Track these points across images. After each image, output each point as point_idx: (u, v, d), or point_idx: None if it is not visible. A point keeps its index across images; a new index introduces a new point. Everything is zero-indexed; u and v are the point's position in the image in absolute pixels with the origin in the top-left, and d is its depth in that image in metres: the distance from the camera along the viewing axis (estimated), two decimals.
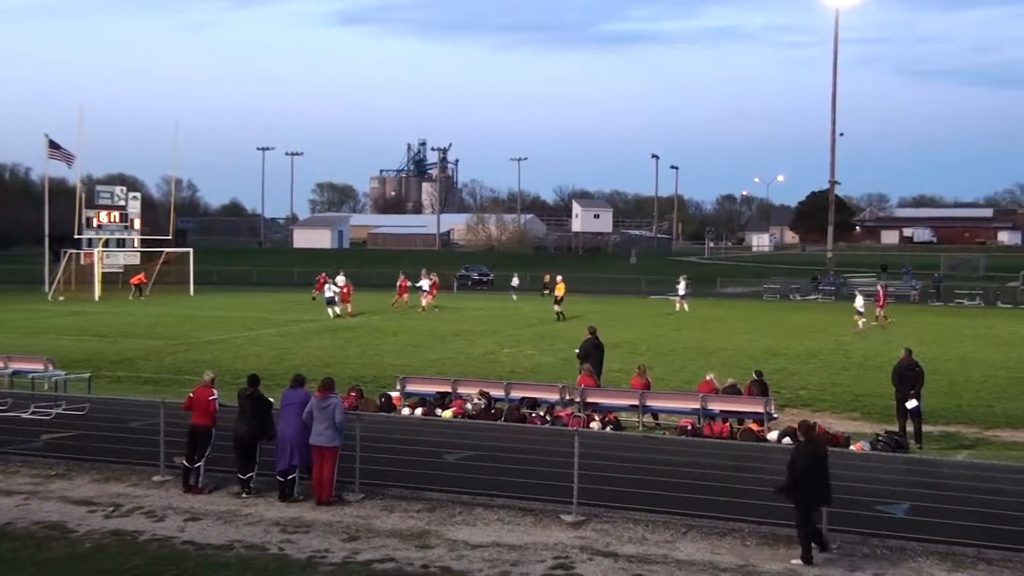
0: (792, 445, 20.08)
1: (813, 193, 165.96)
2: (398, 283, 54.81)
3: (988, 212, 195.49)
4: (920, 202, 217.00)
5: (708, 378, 23.62)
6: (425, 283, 53.56)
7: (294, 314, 50.59)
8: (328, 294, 49.40)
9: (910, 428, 21.17)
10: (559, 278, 51.60)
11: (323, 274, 58.57)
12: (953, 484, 17.23)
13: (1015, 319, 53.46)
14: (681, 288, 56.87)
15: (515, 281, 68.98)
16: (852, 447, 20.12)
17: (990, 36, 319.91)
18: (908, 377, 21.46)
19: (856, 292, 52.37)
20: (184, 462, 16.57)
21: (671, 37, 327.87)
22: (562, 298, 49.57)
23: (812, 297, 71.79)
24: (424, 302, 53.01)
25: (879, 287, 54.12)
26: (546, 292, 65.92)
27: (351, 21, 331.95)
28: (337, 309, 48.35)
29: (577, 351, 27.21)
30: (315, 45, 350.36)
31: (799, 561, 13.24)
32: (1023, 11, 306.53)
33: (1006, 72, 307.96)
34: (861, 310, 46.95)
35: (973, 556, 13.46)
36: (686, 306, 55.79)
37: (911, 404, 21.15)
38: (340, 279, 51.91)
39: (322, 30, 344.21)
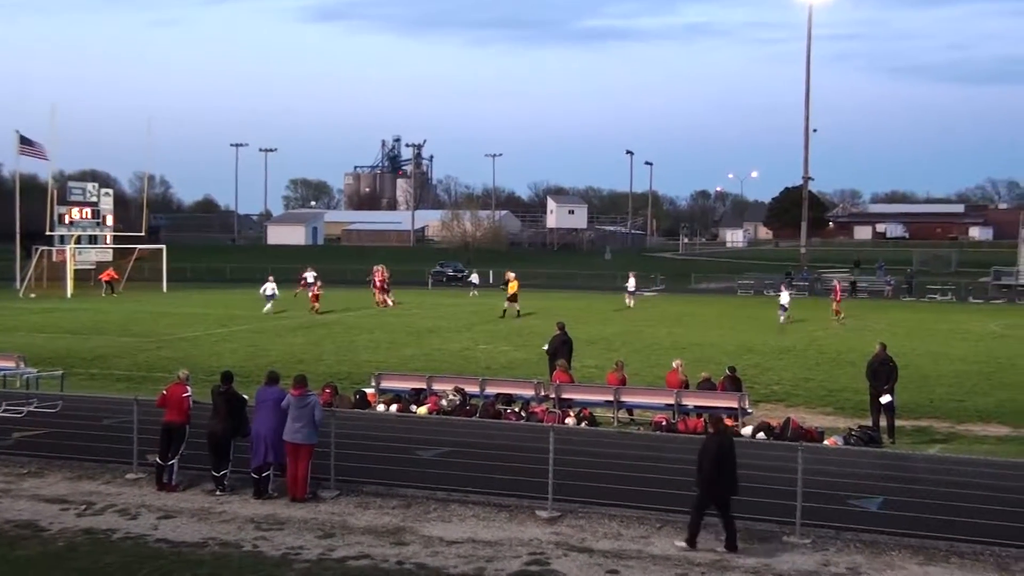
0: (765, 440, 20.29)
1: (787, 189, 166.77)
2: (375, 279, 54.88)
3: (960, 208, 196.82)
4: (892, 198, 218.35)
5: (674, 366, 23.67)
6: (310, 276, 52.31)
7: (269, 310, 50.34)
8: (269, 291, 49.24)
9: (883, 423, 21.29)
10: (511, 275, 50.27)
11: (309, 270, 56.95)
12: (926, 478, 17.37)
13: (986, 314, 53.88)
14: (631, 284, 56.76)
15: (474, 277, 68.63)
16: (826, 442, 20.24)
17: (965, 33, 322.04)
18: (883, 372, 21.57)
19: (782, 287, 52.84)
20: (157, 460, 16.49)
21: (647, 33, 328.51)
22: (515, 295, 48.61)
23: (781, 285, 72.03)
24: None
25: (835, 282, 54.91)
26: (502, 287, 66.29)
27: (327, 17, 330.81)
28: (269, 307, 48.68)
29: (546, 347, 27.27)
30: (290, 41, 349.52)
31: (683, 543, 13.61)
32: (998, 8, 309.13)
33: (980, 68, 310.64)
34: (785, 305, 47.25)
35: (945, 550, 13.57)
36: (632, 302, 55.79)
37: (885, 399, 21.28)
38: (309, 275, 51.97)
39: (297, 26, 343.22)
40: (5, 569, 12.56)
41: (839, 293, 51.37)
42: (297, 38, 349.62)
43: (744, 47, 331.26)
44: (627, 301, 55.99)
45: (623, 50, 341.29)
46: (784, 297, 48.22)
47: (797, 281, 73.79)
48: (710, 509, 13.75)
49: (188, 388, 16.76)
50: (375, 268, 56.69)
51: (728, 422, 21.29)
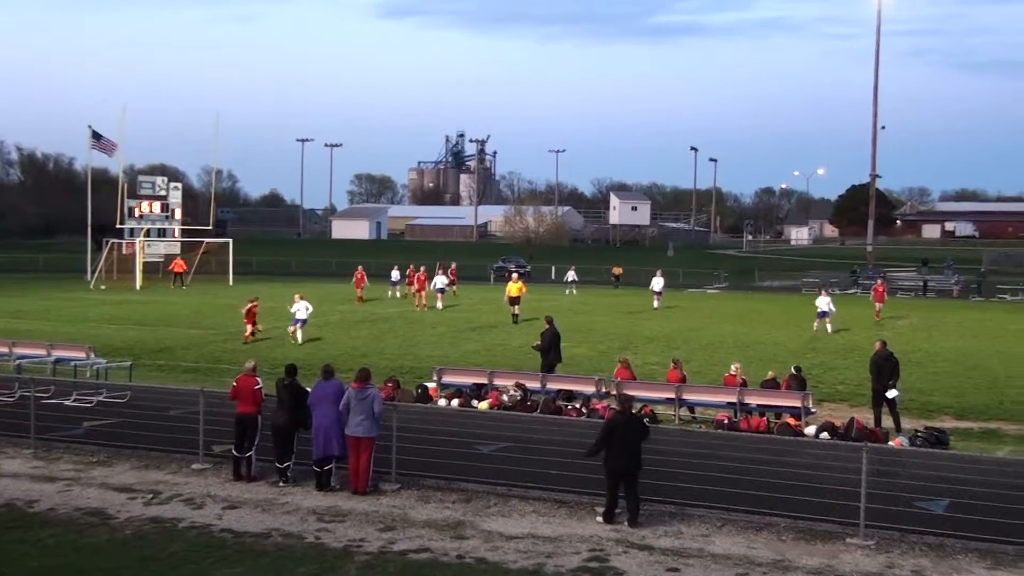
0: (829, 439, 20.06)
1: (853, 186, 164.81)
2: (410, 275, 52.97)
3: None
4: (962, 196, 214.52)
5: (733, 369, 23.51)
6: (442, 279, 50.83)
7: (331, 304, 50.74)
8: (302, 314, 35.57)
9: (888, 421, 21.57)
10: (515, 276, 47.52)
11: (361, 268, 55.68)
12: (993, 481, 17.06)
13: None
14: (657, 284, 52.71)
15: (571, 275, 64.96)
16: (891, 442, 19.98)
17: None
18: (886, 368, 21.88)
19: (821, 291, 46.21)
20: (233, 451, 16.70)
21: (718, 29, 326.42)
22: (518, 299, 44.03)
23: (851, 291, 71.18)
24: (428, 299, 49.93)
25: (878, 282, 51.89)
26: (615, 285, 67.14)
27: (396, 13, 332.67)
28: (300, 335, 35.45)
29: (538, 343, 27.17)
30: (358, 37, 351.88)
31: (600, 519, 14.48)
32: None
33: None
34: (825, 310, 41.22)
35: (1013, 554, 13.32)
36: (658, 304, 51.95)
37: (892, 393, 21.56)
38: (395, 274, 52.77)
39: (365, 22, 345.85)
40: (74, 556, 12.81)
41: (882, 295, 48.40)
42: (365, 34, 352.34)
43: (815, 42, 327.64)
44: (654, 303, 52.10)
45: (692, 46, 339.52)
46: (823, 302, 41.60)
47: (863, 280, 72.92)
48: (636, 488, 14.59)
49: (258, 379, 16.96)
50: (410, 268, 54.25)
51: (791, 421, 21.18)
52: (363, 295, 52.72)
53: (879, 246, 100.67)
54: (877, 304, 48.01)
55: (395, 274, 56.80)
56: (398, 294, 55.30)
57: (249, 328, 35.21)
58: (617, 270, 71.69)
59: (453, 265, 60.22)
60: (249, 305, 35.56)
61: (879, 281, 50.85)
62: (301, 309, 35.33)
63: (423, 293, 49.95)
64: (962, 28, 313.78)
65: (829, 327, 41.03)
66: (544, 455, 18.40)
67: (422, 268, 52.05)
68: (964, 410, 24.24)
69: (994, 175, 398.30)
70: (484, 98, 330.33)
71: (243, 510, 14.90)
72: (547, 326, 27.44)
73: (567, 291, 62.77)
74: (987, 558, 13.22)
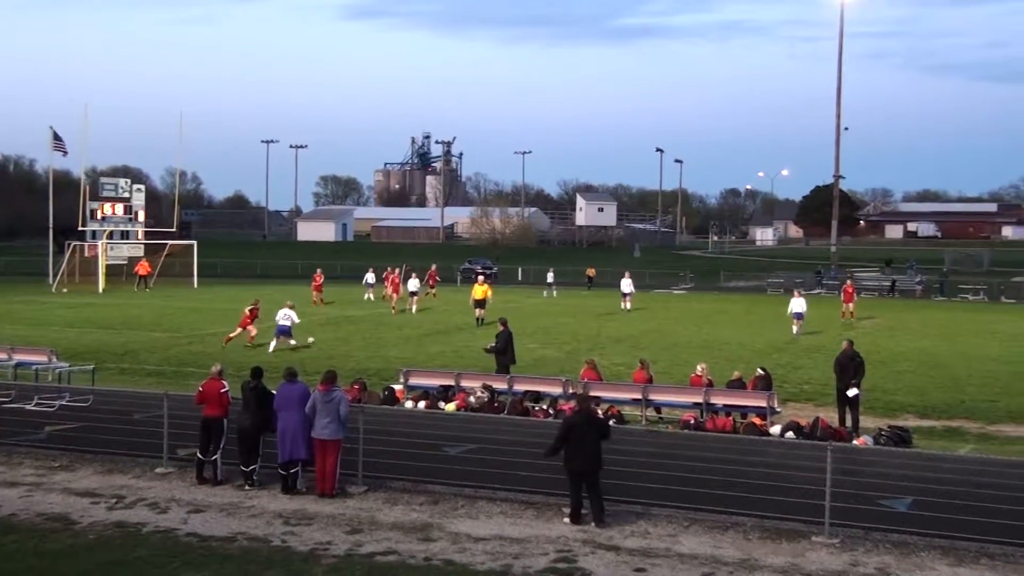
0: (794, 439, 20.19)
1: (817, 187, 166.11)
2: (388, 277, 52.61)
3: (992, 207, 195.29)
4: (924, 197, 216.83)
5: (699, 370, 23.57)
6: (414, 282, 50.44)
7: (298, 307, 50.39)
8: (284, 322, 33.98)
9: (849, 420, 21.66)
10: (480, 279, 46.44)
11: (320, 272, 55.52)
12: (955, 479, 17.22)
13: (1019, 314, 53.38)
14: (626, 286, 52.27)
15: (550, 276, 65.41)
16: (855, 441, 20.14)
17: (1005, 30, 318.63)
18: (850, 367, 21.98)
19: (796, 292, 44.61)
20: (198, 455, 16.59)
21: (682, 31, 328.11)
22: (483, 301, 43.44)
23: (816, 291, 71.68)
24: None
25: (847, 283, 51.22)
26: (589, 287, 67.18)
27: (360, 15, 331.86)
28: (292, 341, 33.87)
29: (492, 345, 27.21)
30: (323, 39, 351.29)
31: (568, 520, 14.46)
32: None
33: (1018, 67, 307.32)
34: (800, 311, 40.69)
35: (976, 551, 13.45)
36: (628, 305, 51.50)
37: (852, 392, 21.63)
38: (370, 276, 52.69)
39: (330, 23, 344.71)
40: (37, 562, 12.67)
41: (852, 295, 48.07)
42: (330, 36, 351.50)
43: (779, 45, 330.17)
44: (623, 304, 51.79)
45: (656, 48, 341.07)
46: (797, 304, 41.05)
47: (827, 280, 73.48)
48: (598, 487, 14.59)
49: (225, 383, 16.85)
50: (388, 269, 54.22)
51: (757, 421, 21.29)
52: (322, 298, 52.15)
53: (843, 246, 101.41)
54: (846, 304, 47.74)
55: (370, 276, 56.45)
56: (372, 296, 54.98)
57: (238, 330, 34.50)
58: (591, 271, 71.90)
59: (433, 267, 60.02)
60: (251, 307, 35.19)
61: (848, 282, 51.01)
62: (283, 317, 33.77)
63: (396, 296, 49.80)
64: (923, 30, 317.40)
65: (794, 328, 40.49)
66: (511, 456, 18.40)
67: (396, 270, 51.90)
68: (926, 409, 24.46)
69: (955, 176, 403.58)
70: (450, 100, 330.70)
71: (208, 514, 14.80)
72: (502, 327, 27.48)
73: (545, 293, 62.85)
74: (949, 555, 13.34)
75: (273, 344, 33.35)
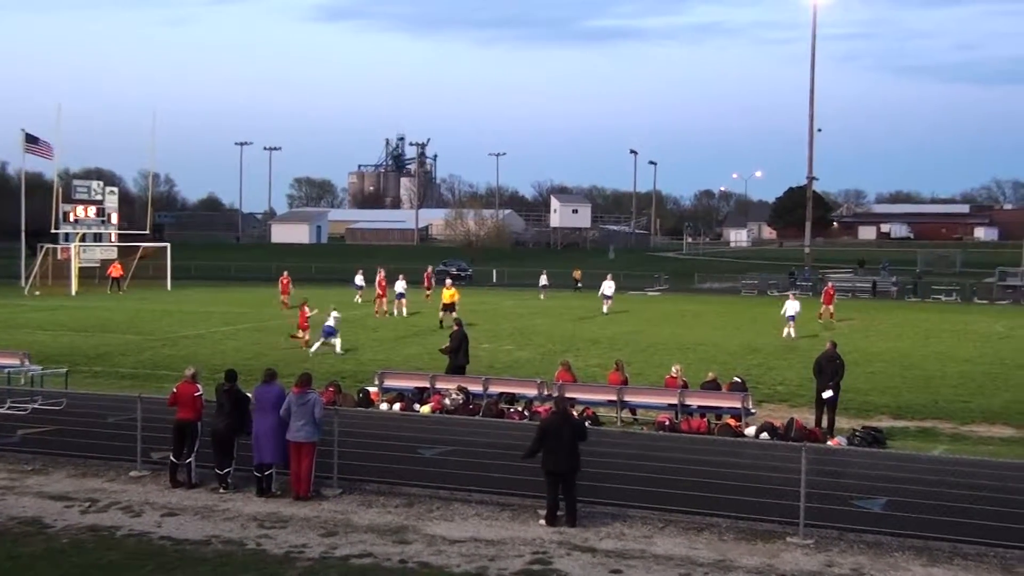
0: (769, 440, 20.28)
1: (791, 188, 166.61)
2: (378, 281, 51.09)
3: (965, 208, 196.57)
4: (897, 198, 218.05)
5: (673, 372, 23.54)
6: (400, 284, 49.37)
7: (273, 308, 50.31)
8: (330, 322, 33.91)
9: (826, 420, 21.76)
10: (448, 281, 46.12)
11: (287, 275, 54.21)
12: (930, 479, 17.34)
13: (991, 315, 53.79)
14: (607, 288, 51.99)
15: (543, 279, 64.80)
16: (829, 442, 20.24)
17: (974, 32, 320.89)
18: (829, 368, 22.01)
19: (790, 294, 45.09)
20: (172, 458, 16.50)
21: (653, 33, 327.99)
22: (452, 305, 42.55)
23: (789, 293, 71.92)
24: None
25: (828, 285, 51.52)
26: (576, 289, 67.24)
27: (333, 17, 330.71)
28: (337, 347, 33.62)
29: (446, 346, 27.21)
30: (295, 40, 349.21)
31: (543, 522, 14.50)
32: (1008, 8, 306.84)
33: (988, 69, 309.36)
34: (793, 314, 40.68)
35: (949, 551, 13.55)
36: (607, 307, 50.97)
37: (827, 394, 21.68)
38: (359, 279, 53.34)
39: (302, 25, 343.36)
40: (10, 566, 12.58)
41: (832, 297, 48.06)
42: (302, 37, 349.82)
43: (751, 47, 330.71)
44: (603, 307, 51.16)
45: (629, 50, 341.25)
46: (792, 307, 40.93)
47: (800, 281, 73.81)
48: (574, 488, 14.66)
49: (199, 386, 16.78)
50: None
51: (732, 422, 21.37)
52: (288, 301, 51.17)
53: (816, 247, 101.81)
54: (826, 306, 47.45)
55: (359, 279, 56.10)
56: (360, 299, 54.49)
57: (304, 333, 34.62)
58: (576, 273, 71.76)
59: (429, 268, 59.70)
60: (303, 306, 35.54)
61: (830, 284, 51.36)
62: (331, 319, 33.57)
63: (384, 299, 49.49)
64: (895, 32, 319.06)
65: (788, 331, 40.34)
66: (487, 458, 18.39)
67: (381, 272, 51.46)
68: (900, 409, 24.62)
69: (928, 178, 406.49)
70: (424, 102, 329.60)
71: (182, 517, 14.73)
72: (456, 328, 27.47)
73: (542, 295, 62.76)
74: (923, 555, 13.43)
75: (316, 345, 33.36)
